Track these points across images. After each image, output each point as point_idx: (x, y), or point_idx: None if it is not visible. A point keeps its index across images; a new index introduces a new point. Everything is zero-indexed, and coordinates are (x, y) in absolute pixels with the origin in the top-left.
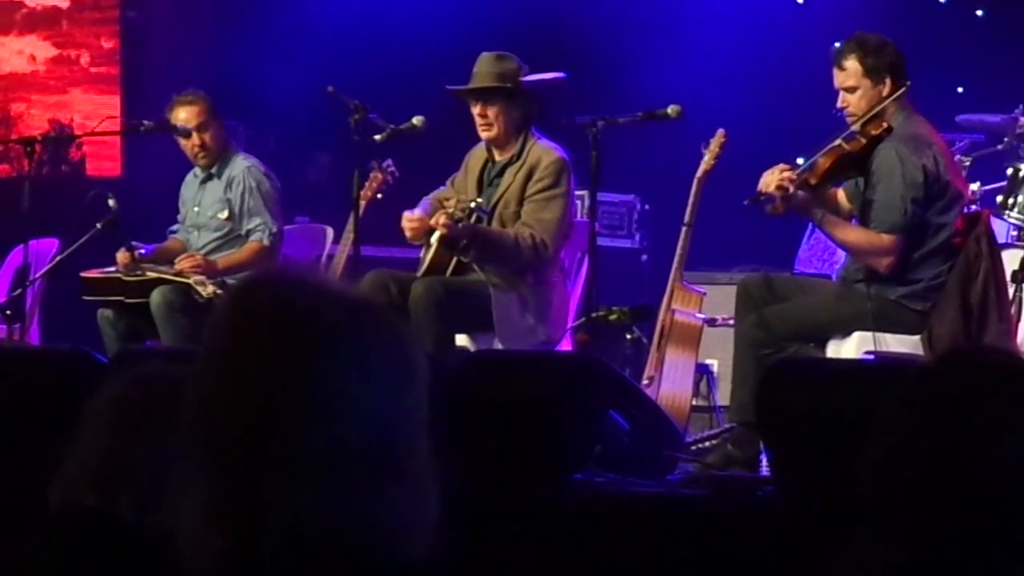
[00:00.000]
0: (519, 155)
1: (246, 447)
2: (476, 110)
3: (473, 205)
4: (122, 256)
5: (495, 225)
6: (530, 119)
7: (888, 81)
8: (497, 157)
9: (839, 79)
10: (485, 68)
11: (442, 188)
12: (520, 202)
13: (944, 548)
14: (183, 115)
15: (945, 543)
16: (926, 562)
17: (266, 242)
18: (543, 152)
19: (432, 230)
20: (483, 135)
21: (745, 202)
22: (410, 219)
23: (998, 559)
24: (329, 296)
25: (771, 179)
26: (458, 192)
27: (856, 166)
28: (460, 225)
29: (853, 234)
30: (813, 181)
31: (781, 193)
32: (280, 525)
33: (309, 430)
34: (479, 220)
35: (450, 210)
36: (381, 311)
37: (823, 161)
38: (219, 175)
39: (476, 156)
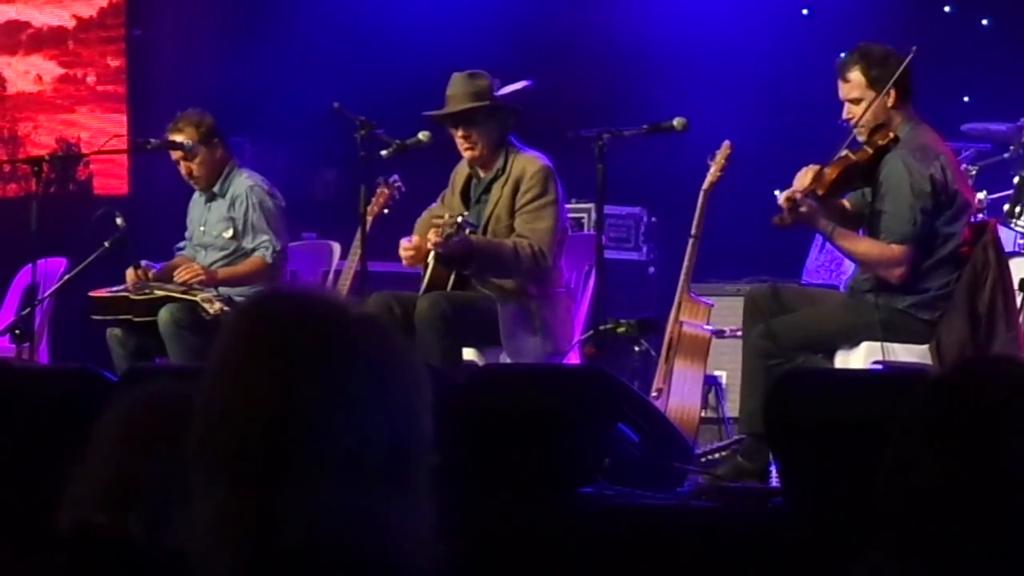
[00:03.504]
0: (503, 169)
1: (262, 458)
2: (457, 133)
3: (460, 220)
4: (131, 274)
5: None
6: (508, 131)
7: (893, 92)
8: (482, 174)
9: (843, 90)
10: (460, 90)
11: (434, 205)
12: (511, 215)
13: (960, 559)
14: (177, 139)
15: (961, 554)
16: (942, 573)
17: (268, 259)
18: (527, 162)
19: (428, 252)
20: (466, 156)
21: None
22: (405, 247)
23: (1015, 570)
24: (340, 311)
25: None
26: (448, 209)
27: (863, 176)
28: (455, 240)
29: (864, 245)
30: (820, 192)
31: (789, 205)
32: (295, 535)
33: (324, 441)
34: (471, 232)
35: (441, 228)
36: (389, 327)
37: (830, 172)
38: (223, 194)
39: (460, 172)
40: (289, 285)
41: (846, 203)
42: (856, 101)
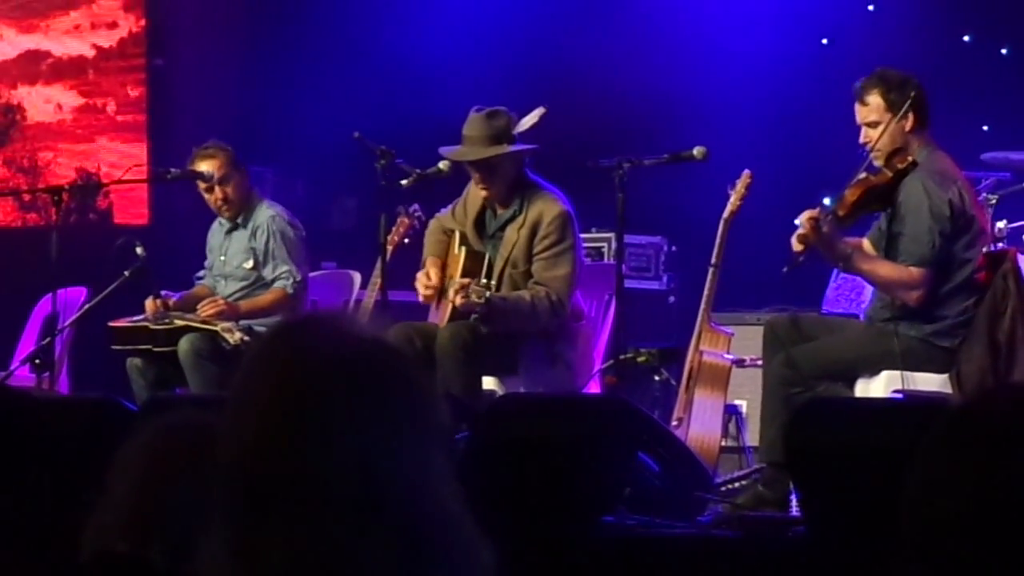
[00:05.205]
0: (520, 210)
1: (284, 487)
2: (475, 177)
3: (488, 295)
4: (151, 304)
5: (505, 286)
6: (523, 166)
7: (911, 116)
8: (498, 211)
9: (861, 114)
10: (478, 132)
11: (443, 212)
12: (528, 260)
13: None
14: (203, 168)
15: None
16: None
17: (289, 290)
18: (544, 206)
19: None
20: (482, 195)
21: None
22: (426, 285)
23: None
24: (363, 340)
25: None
26: (458, 223)
27: (881, 199)
28: (478, 309)
29: (882, 268)
30: (841, 213)
31: (811, 224)
32: (316, 565)
33: (348, 470)
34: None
35: (471, 296)
36: (411, 359)
37: (850, 194)
38: (244, 224)
39: (475, 191)
40: (314, 314)
41: (868, 249)
42: (874, 125)
